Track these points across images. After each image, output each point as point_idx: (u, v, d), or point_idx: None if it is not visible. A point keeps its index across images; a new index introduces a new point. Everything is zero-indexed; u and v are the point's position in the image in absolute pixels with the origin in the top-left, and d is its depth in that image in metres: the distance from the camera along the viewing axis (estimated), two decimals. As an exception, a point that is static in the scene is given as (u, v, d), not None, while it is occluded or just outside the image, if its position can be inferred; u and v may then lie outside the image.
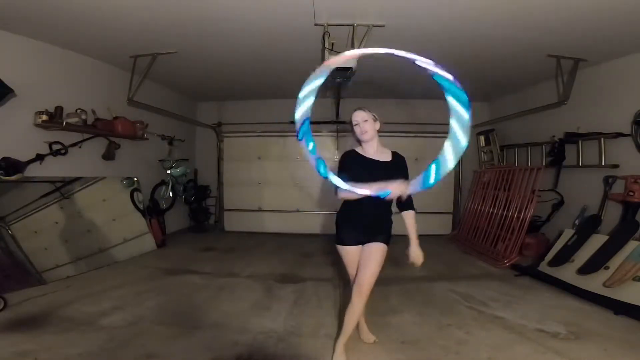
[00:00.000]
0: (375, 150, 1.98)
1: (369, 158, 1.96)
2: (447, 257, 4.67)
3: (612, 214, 3.64)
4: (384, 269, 1.95)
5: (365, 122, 1.92)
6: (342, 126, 6.13)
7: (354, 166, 1.93)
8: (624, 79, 3.66)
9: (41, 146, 3.48)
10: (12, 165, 3.14)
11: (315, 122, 6.12)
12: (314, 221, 6.20)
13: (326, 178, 1.49)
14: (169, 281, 3.49)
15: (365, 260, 1.94)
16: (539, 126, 4.89)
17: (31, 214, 3.41)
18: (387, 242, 1.98)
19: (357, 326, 2.23)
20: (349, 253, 2.03)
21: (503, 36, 3.34)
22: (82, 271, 3.59)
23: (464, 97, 1.21)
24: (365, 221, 1.97)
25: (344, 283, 3.14)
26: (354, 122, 1.95)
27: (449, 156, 1.31)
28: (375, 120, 1.95)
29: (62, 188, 3.73)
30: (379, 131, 1.97)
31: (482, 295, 3.13)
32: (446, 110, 1.26)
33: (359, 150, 2.02)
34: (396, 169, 1.91)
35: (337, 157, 6.00)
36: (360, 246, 2.00)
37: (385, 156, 1.98)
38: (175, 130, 5.71)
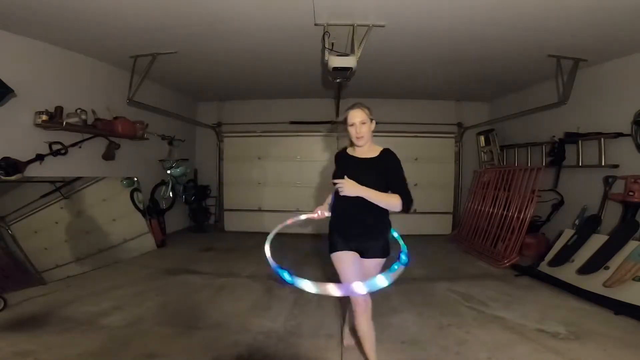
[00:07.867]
0: (365, 149, 1.85)
1: (356, 157, 1.86)
2: (447, 257, 4.67)
3: (612, 214, 3.64)
4: (382, 269, 1.93)
5: (362, 125, 1.77)
6: (342, 126, 6.13)
7: (340, 168, 1.86)
8: (624, 79, 3.66)
9: (41, 146, 3.48)
10: (12, 165, 3.14)
11: (315, 122, 6.19)
12: (314, 221, 6.17)
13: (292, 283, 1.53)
14: (169, 281, 3.49)
15: (367, 276, 1.74)
16: (539, 126, 4.90)
17: (31, 214, 3.40)
18: (385, 254, 1.87)
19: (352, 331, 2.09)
20: (345, 258, 1.85)
21: (503, 36, 3.34)
22: (82, 271, 3.59)
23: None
24: (355, 227, 1.82)
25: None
26: (349, 122, 1.80)
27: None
28: (371, 120, 1.81)
29: (62, 188, 3.72)
30: (373, 131, 1.84)
31: (482, 295, 3.13)
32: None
33: (349, 150, 1.94)
34: (379, 165, 1.77)
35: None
36: (355, 253, 1.84)
37: (372, 153, 1.83)
38: (175, 130, 5.71)
